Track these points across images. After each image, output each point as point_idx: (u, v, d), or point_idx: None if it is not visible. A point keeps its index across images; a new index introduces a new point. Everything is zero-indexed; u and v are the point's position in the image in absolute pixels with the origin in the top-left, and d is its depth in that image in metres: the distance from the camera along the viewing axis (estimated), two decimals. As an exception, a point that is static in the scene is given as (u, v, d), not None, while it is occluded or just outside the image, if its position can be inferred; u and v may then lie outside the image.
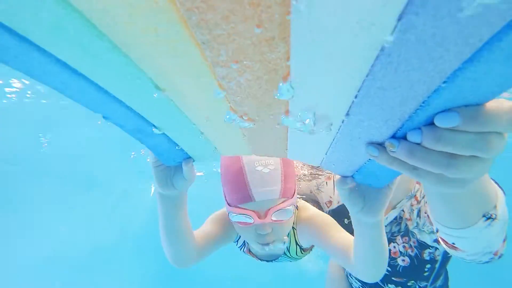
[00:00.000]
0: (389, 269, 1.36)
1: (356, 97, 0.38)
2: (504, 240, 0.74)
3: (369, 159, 0.55)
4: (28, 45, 0.32)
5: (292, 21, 0.27)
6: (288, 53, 0.32)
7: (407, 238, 1.29)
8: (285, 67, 0.35)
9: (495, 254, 0.74)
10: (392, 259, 1.34)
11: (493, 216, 0.65)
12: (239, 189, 0.96)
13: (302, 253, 1.35)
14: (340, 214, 1.42)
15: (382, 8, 0.25)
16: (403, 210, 1.28)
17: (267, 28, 0.28)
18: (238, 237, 1.32)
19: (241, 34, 0.29)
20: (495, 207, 0.66)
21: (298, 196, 1.52)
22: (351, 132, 0.48)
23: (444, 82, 0.33)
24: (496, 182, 0.71)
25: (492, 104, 0.37)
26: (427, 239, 1.23)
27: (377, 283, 1.46)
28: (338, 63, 0.33)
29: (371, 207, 0.70)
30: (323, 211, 1.46)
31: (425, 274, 1.32)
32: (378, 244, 0.84)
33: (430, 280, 1.36)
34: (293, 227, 1.25)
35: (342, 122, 0.46)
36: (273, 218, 0.98)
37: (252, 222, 0.98)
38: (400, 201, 1.28)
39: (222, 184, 1.04)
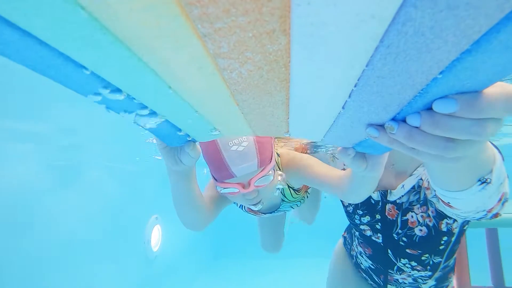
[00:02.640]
0: (405, 239, 1.33)
1: (355, 85, 0.40)
2: (500, 200, 0.75)
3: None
4: (30, 39, 0.31)
5: (292, 13, 0.27)
6: (289, 45, 0.33)
7: (425, 207, 1.24)
8: (285, 58, 0.35)
9: (489, 211, 0.78)
10: (409, 229, 1.30)
11: (488, 180, 0.67)
12: (220, 168, 1.07)
13: (297, 194, 1.52)
14: None
15: (381, 1, 0.25)
16: (421, 179, 1.24)
17: (268, 21, 0.28)
18: None
19: (242, 27, 0.29)
20: (491, 171, 0.67)
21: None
22: (351, 116, 0.50)
23: (442, 71, 0.34)
24: (494, 145, 0.70)
25: (489, 91, 0.38)
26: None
27: (389, 258, 1.44)
28: (338, 54, 0.33)
29: (373, 165, 0.76)
30: None
31: (441, 247, 1.28)
32: (374, 183, 0.98)
33: (445, 256, 1.33)
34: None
35: (342, 108, 0.47)
36: (256, 185, 1.12)
37: (238, 191, 1.12)
38: (416, 169, 1.23)
39: (206, 163, 1.14)
